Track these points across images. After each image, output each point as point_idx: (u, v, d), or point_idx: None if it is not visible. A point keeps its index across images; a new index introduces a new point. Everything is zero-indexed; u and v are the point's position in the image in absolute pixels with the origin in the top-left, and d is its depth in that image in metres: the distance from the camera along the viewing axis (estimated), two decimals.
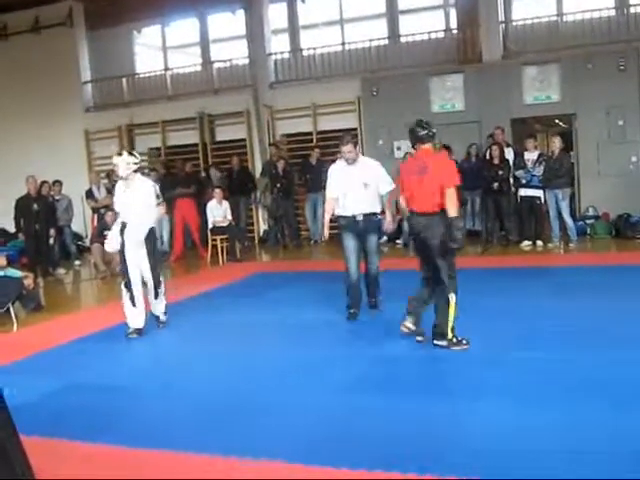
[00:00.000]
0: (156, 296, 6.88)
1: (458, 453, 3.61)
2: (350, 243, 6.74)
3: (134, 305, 6.62)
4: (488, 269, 9.45)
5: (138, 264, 6.62)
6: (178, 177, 13.53)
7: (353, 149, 6.73)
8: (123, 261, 6.65)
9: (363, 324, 6.63)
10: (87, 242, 13.44)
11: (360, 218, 6.68)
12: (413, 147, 5.94)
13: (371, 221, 6.77)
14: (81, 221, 14.47)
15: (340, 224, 6.83)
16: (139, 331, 6.68)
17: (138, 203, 6.59)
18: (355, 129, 13.68)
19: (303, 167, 13.62)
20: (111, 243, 6.89)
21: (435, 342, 5.56)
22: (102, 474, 3.66)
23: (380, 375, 5.11)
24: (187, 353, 6.13)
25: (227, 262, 11.88)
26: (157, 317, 7.02)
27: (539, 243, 11.14)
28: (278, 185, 13.24)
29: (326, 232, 7.05)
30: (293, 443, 3.88)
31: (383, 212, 6.95)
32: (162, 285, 6.92)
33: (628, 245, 10.78)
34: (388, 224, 7.09)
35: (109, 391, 5.09)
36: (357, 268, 6.79)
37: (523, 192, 11.20)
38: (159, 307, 6.99)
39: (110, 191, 13.44)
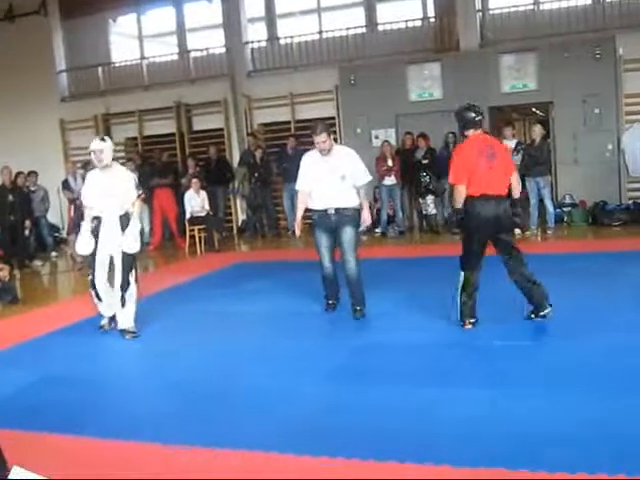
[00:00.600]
0: (122, 304, 6.21)
1: (437, 440, 3.63)
2: (322, 240, 6.38)
3: (100, 300, 6.40)
4: None
5: (103, 261, 6.24)
6: (155, 167, 13.44)
7: (327, 138, 6.22)
8: (93, 259, 6.26)
9: (343, 313, 6.61)
10: (64, 233, 13.32)
11: (332, 212, 6.24)
12: (463, 132, 5.74)
13: (345, 215, 6.26)
14: (57, 212, 14.33)
15: (312, 219, 6.47)
16: (112, 320, 6.43)
17: (122, 189, 6.17)
18: (333, 118, 13.66)
19: (280, 156, 13.58)
20: (82, 245, 6.28)
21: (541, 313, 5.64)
22: (78, 467, 3.63)
23: (361, 364, 5.11)
24: (165, 345, 6.08)
25: (205, 252, 11.83)
26: (122, 330, 6.28)
27: (517, 231, 11.17)
28: (256, 175, 13.19)
29: (297, 231, 6.61)
30: (273, 433, 3.88)
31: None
32: (131, 287, 6.23)
33: (604, 232, 10.87)
34: (366, 218, 6.52)
35: (86, 384, 5.05)
36: (331, 262, 6.46)
37: None
38: (124, 318, 6.25)
39: None
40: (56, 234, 14.15)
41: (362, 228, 7.25)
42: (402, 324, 6.07)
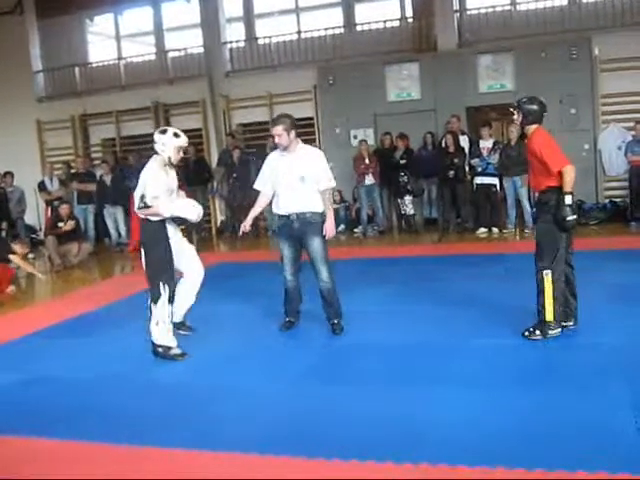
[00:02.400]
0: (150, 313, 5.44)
1: (417, 440, 3.64)
2: (284, 249, 5.82)
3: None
4: (445, 257, 9.53)
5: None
6: (134, 168, 13.35)
7: (283, 132, 5.58)
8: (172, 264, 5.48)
9: (321, 313, 6.60)
10: (41, 235, 13.21)
11: (294, 217, 5.68)
12: (532, 123, 5.27)
13: (309, 222, 5.67)
14: (35, 213, 14.21)
15: (276, 225, 5.92)
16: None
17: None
18: (312, 118, 13.67)
19: (259, 157, 13.56)
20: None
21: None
22: (59, 469, 3.61)
23: (339, 365, 5.13)
24: (145, 346, 6.05)
25: None
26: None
27: (495, 230, 11.27)
28: (234, 175, 13.15)
29: (247, 226, 6.09)
30: (251, 434, 3.88)
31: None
32: (160, 300, 5.35)
33: (581, 231, 10.92)
34: (329, 229, 5.75)
35: (65, 386, 5.03)
36: (293, 275, 5.89)
37: (479, 180, 11.33)
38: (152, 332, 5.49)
39: (64, 182, 13.28)
40: (33, 235, 14.03)
41: (341, 226, 6.92)
42: (380, 325, 6.08)
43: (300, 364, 5.17)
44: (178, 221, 5.51)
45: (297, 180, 5.65)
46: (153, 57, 15.80)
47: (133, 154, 13.94)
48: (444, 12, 12.97)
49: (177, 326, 5.79)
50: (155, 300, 5.35)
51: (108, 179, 13.03)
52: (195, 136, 14.50)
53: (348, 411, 4.11)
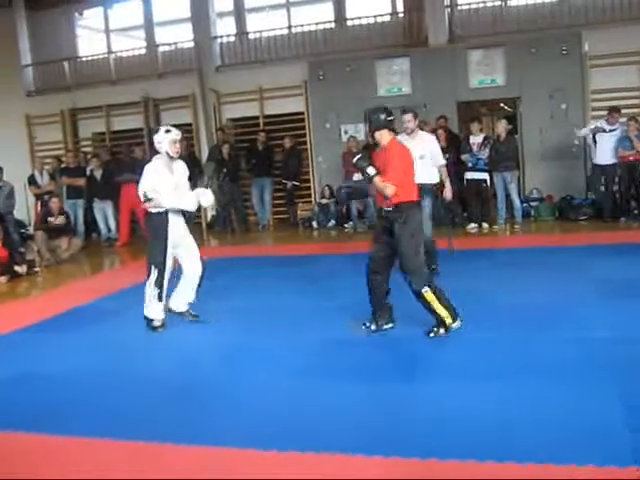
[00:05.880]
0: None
1: (407, 433, 3.65)
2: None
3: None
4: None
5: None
6: (124, 163, 13.31)
7: (412, 119, 7.14)
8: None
9: (316, 308, 6.61)
10: (30, 229, 13.15)
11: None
12: None
13: (427, 191, 7.04)
14: (24, 208, 14.14)
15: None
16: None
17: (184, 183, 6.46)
18: (302, 113, 13.66)
19: (249, 152, 13.56)
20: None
21: None
22: (49, 465, 3.61)
23: (335, 359, 5.11)
24: (137, 341, 6.04)
25: None
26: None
27: (485, 225, 11.30)
28: (224, 170, 13.12)
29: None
30: (245, 429, 3.89)
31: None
32: (149, 280, 6.15)
33: (571, 227, 10.99)
34: (448, 194, 7.84)
35: (57, 381, 5.01)
36: None
37: (469, 175, 11.33)
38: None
39: (53, 177, 13.22)
40: (22, 230, 13.95)
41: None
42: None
43: (298, 358, 5.17)
44: (185, 214, 6.46)
45: (417, 158, 6.20)
46: (143, 51, 15.72)
47: (123, 147, 13.91)
48: (435, 7, 12.97)
49: (182, 314, 6.44)
50: (147, 279, 6.14)
51: (98, 174, 12.98)
52: (185, 131, 14.36)
53: (341, 405, 4.12)
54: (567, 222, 11.31)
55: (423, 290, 5.26)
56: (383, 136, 5.42)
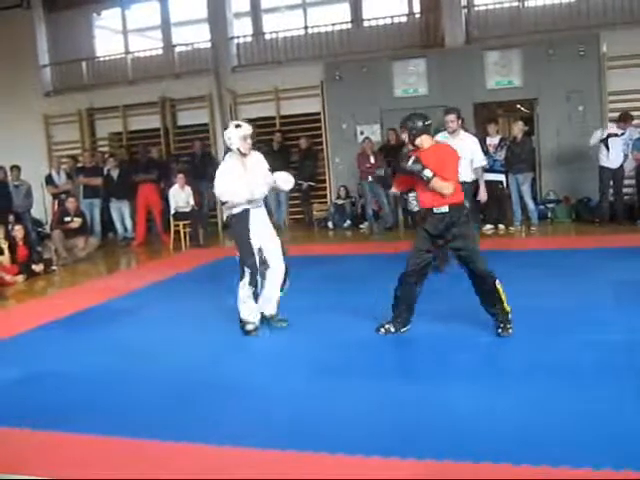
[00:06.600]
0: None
1: (419, 435, 3.65)
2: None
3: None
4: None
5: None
6: (140, 162, 13.37)
7: (455, 119, 7.48)
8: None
9: (328, 309, 6.61)
10: (47, 229, 13.24)
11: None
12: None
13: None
14: (41, 207, 14.24)
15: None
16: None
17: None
18: (318, 113, 13.68)
19: (265, 152, 13.53)
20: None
21: None
22: (64, 463, 3.62)
23: (343, 360, 5.10)
24: (150, 340, 6.05)
25: (190, 248, 11.80)
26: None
27: (501, 227, 11.26)
28: None
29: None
30: (252, 428, 3.89)
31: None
32: (242, 282, 5.88)
33: (588, 229, 10.92)
34: (483, 195, 8.52)
35: (71, 380, 5.03)
36: None
37: (485, 177, 11.27)
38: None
39: (71, 177, 13.30)
40: (40, 229, 14.05)
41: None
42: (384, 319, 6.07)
43: (307, 358, 5.17)
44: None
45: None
46: (160, 52, 15.80)
47: (140, 146, 13.96)
48: (452, 8, 12.94)
49: (272, 319, 6.13)
50: (240, 281, 5.88)
51: (115, 174, 13.04)
52: (202, 131, 14.55)
53: (352, 405, 4.12)
54: (584, 224, 11.24)
55: (497, 281, 5.32)
56: (424, 141, 5.46)
